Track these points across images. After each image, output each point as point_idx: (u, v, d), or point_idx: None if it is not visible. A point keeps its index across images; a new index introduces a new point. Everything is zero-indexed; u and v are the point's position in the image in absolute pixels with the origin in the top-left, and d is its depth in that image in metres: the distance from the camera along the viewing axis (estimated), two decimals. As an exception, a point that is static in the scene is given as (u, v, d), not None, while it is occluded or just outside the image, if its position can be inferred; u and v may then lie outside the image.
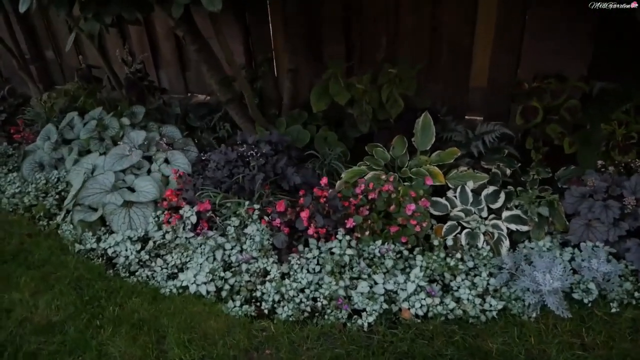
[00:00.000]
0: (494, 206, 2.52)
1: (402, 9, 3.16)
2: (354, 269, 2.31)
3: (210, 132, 3.46)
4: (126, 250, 2.59)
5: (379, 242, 2.35)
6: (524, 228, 2.41)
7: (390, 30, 3.26)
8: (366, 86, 2.88)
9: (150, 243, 2.62)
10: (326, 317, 2.21)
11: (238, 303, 2.29)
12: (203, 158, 3.00)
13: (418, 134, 2.84)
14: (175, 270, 2.51)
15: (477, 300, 2.15)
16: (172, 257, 2.53)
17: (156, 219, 2.72)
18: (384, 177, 2.65)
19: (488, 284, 2.22)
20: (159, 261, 2.55)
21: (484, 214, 2.50)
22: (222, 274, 2.37)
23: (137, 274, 2.53)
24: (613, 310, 2.07)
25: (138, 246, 2.60)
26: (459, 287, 2.21)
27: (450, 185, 2.63)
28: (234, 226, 2.53)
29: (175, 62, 3.95)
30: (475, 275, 2.27)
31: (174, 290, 2.39)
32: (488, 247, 2.33)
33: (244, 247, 2.48)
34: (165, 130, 3.25)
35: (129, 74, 3.38)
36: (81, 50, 4.24)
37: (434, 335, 2.06)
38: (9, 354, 2.15)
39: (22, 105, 4.17)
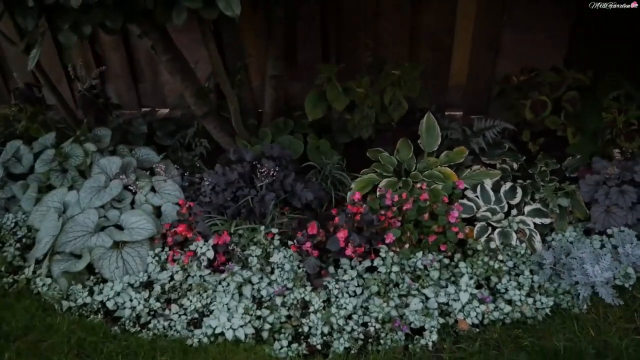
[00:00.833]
0: (513, 202, 2.54)
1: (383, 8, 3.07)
2: (399, 286, 2.19)
3: (184, 151, 3.10)
4: (131, 300, 2.21)
5: (419, 254, 2.25)
6: (547, 221, 2.45)
7: (369, 30, 3.16)
8: (366, 89, 2.75)
9: (157, 287, 2.27)
10: (382, 341, 2.06)
11: (285, 342, 2.05)
12: (198, 181, 2.67)
13: (423, 135, 2.77)
14: (196, 315, 2.20)
15: (529, 300, 2.14)
16: (190, 301, 2.21)
17: (156, 258, 2.37)
18: (400, 183, 2.57)
19: (532, 281, 2.22)
20: (174, 307, 2.22)
21: (505, 211, 2.51)
22: (258, 313, 2.12)
23: (150, 326, 2.18)
24: (652, 290, 2.16)
25: (146, 294, 2.24)
26: (506, 289, 2.18)
27: (466, 186, 2.60)
28: (256, 256, 2.28)
29: (125, 74, 3.48)
30: (517, 275, 2.26)
31: (204, 340, 2.08)
32: (523, 245, 2.34)
33: (272, 277, 2.24)
34: (139, 153, 2.85)
35: (83, 92, 2.90)
36: (6, 68, 3.58)
37: (499, 344, 2.01)
38: None
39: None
